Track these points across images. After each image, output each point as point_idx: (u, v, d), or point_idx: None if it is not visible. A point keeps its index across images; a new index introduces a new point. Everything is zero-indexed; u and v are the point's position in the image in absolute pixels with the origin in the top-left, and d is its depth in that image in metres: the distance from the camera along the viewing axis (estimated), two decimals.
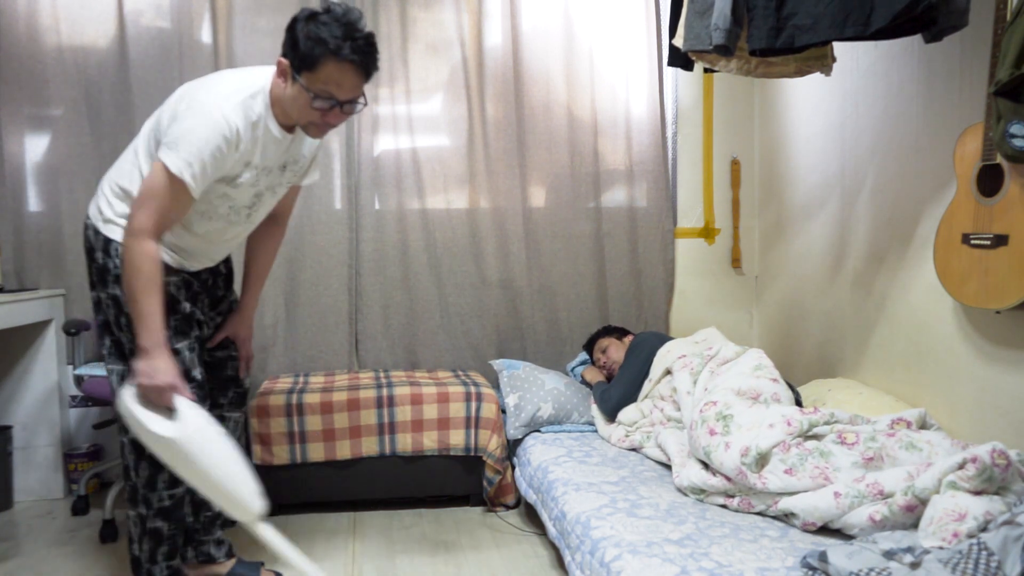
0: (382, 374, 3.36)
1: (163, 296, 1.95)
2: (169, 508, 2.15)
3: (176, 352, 2.05)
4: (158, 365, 1.90)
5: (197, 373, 2.14)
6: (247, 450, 2.95)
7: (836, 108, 3.04)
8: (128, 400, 1.92)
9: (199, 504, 2.33)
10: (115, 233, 2.04)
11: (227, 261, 2.38)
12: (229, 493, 1.89)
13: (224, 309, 2.37)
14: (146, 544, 2.15)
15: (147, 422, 1.87)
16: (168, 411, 1.92)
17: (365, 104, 2.00)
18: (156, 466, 2.07)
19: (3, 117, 3.26)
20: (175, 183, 1.88)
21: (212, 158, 1.90)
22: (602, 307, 3.68)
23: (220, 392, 2.36)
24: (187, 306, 2.13)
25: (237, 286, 2.48)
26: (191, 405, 1.95)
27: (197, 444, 1.88)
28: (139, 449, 2.05)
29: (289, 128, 2.06)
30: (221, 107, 1.90)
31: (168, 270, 2.06)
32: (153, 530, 2.15)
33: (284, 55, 1.94)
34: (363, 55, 1.92)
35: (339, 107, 1.95)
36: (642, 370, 2.99)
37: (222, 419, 2.33)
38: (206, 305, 2.30)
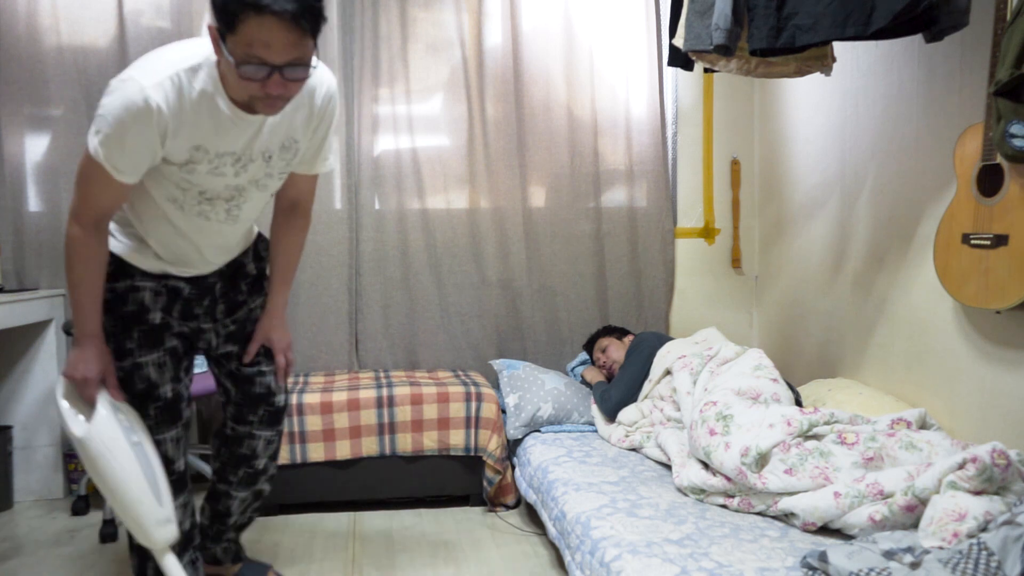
0: (382, 374, 3.36)
1: (108, 293, 1.88)
2: None
3: (138, 367, 1.93)
4: (82, 356, 1.82)
5: (165, 391, 1.97)
6: None
7: (836, 108, 3.04)
8: (57, 390, 1.84)
9: (217, 513, 2.25)
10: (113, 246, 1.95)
11: (252, 262, 2.14)
12: (128, 512, 1.77)
13: (241, 317, 2.11)
14: None
15: (64, 415, 1.79)
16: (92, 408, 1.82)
17: (313, 67, 1.64)
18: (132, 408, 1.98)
19: (3, 117, 3.26)
20: (95, 166, 1.71)
21: (131, 138, 1.67)
22: (602, 307, 3.68)
23: (250, 410, 2.14)
24: (157, 316, 1.95)
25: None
26: (112, 407, 1.82)
27: (101, 450, 1.74)
28: (125, 380, 1.97)
29: (249, 107, 1.75)
30: (140, 82, 1.64)
31: (144, 275, 1.94)
32: None
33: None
34: (295, 3, 1.54)
35: (277, 73, 1.59)
36: (642, 370, 2.99)
37: (250, 436, 2.15)
38: (220, 312, 2.08)
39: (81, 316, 1.83)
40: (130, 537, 2.11)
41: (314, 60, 1.69)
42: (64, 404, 1.80)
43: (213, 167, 1.79)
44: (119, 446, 1.76)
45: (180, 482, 2.04)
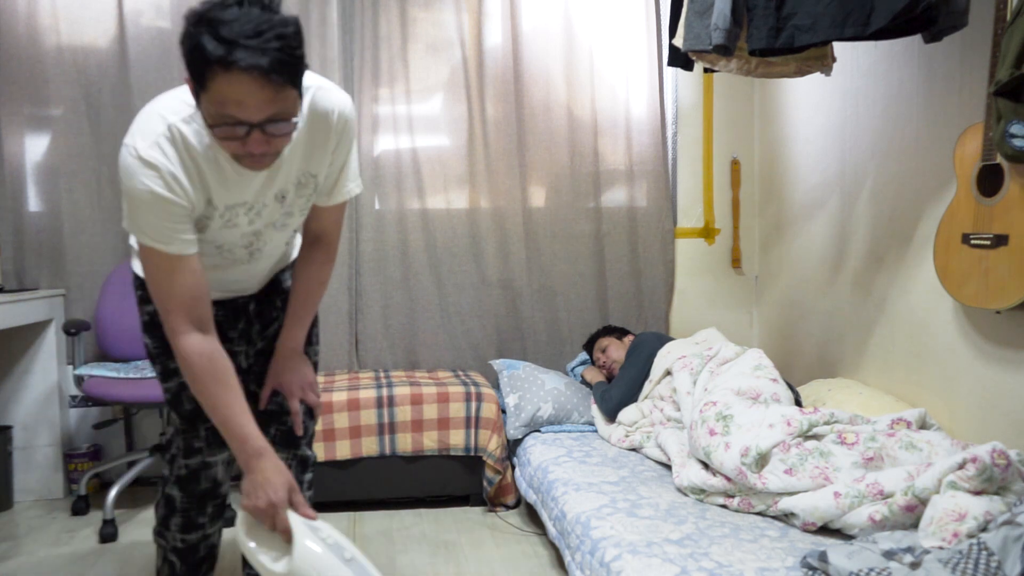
0: (382, 374, 3.36)
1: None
2: (185, 477, 1.90)
3: (185, 387, 1.77)
4: (259, 479, 1.55)
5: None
6: None
7: (836, 108, 3.04)
8: (239, 530, 1.57)
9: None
10: (137, 267, 1.84)
11: (290, 278, 1.98)
12: None
13: (272, 333, 1.95)
14: (161, 510, 1.96)
15: (258, 560, 1.52)
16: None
17: (295, 120, 1.47)
18: (181, 430, 1.87)
19: (3, 117, 3.26)
20: (149, 253, 1.57)
21: (152, 209, 1.52)
22: (602, 307, 3.68)
23: (263, 428, 1.79)
24: None
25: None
26: (310, 528, 1.54)
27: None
28: (173, 402, 1.85)
29: None
30: (137, 149, 1.51)
31: None
32: (168, 496, 1.94)
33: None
34: (266, 56, 1.35)
35: (257, 131, 1.42)
36: (643, 370, 2.99)
37: None
38: (255, 333, 1.95)
39: (238, 437, 1.59)
40: (156, 500, 1.99)
41: (318, 82, 1.62)
42: (251, 545, 1.54)
43: (225, 220, 1.65)
44: (333, 565, 1.49)
45: (221, 507, 1.98)
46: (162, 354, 1.82)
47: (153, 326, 1.81)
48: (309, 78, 1.60)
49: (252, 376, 1.96)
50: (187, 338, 1.58)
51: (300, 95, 1.47)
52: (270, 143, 1.45)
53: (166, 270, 1.57)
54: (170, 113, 1.54)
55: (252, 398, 1.89)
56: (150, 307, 1.80)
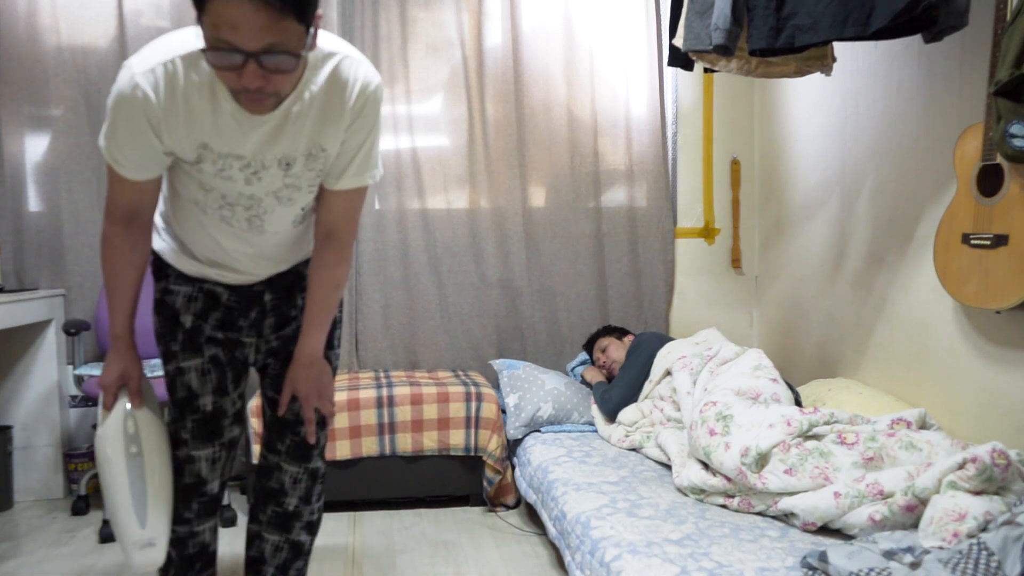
0: (382, 374, 3.36)
1: (146, 293, 1.75)
2: (175, 539, 1.85)
3: (180, 372, 1.79)
4: (106, 360, 1.73)
5: (205, 403, 1.80)
6: (246, 450, 2.95)
7: (836, 108, 3.04)
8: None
9: (251, 561, 1.99)
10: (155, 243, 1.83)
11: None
12: (114, 527, 1.67)
13: (288, 334, 1.87)
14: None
15: (99, 419, 1.72)
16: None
17: (298, 57, 1.37)
18: (172, 418, 1.83)
19: (3, 117, 3.26)
20: (108, 163, 1.60)
21: (122, 130, 1.52)
22: (602, 307, 3.68)
23: (277, 437, 1.90)
24: (188, 320, 1.79)
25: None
26: (126, 413, 1.70)
27: (99, 459, 1.66)
28: (169, 387, 1.86)
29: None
30: (132, 69, 1.48)
31: (180, 278, 1.79)
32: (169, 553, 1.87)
33: None
34: None
35: (253, 61, 1.34)
36: (643, 370, 2.99)
37: (278, 468, 1.90)
38: (268, 328, 1.86)
39: (110, 316, 1.73)
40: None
41: (349, 51, 1.54)
42: (99, 409, 1.74)
43: (219, 168, 1.59)
44: (115, 454, 1.65)
45: (210, 505, 1.86)
46: (166, 335, 1.81)
47: (162, 305, 1.81)
48: (340, 44, 1.57)
49: (268, 380, 1.91)
50: (111, 227, 1.66)
51: (308, 30, 1.37)
52: (268, 79, 1.37)
53: (116, 182, 1.62)
54: (178, 45, 1.49)
55: (270, 404, 1.91)
56: (162, 283, 1.81)
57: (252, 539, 1.97)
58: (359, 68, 1.57)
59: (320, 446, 1.92)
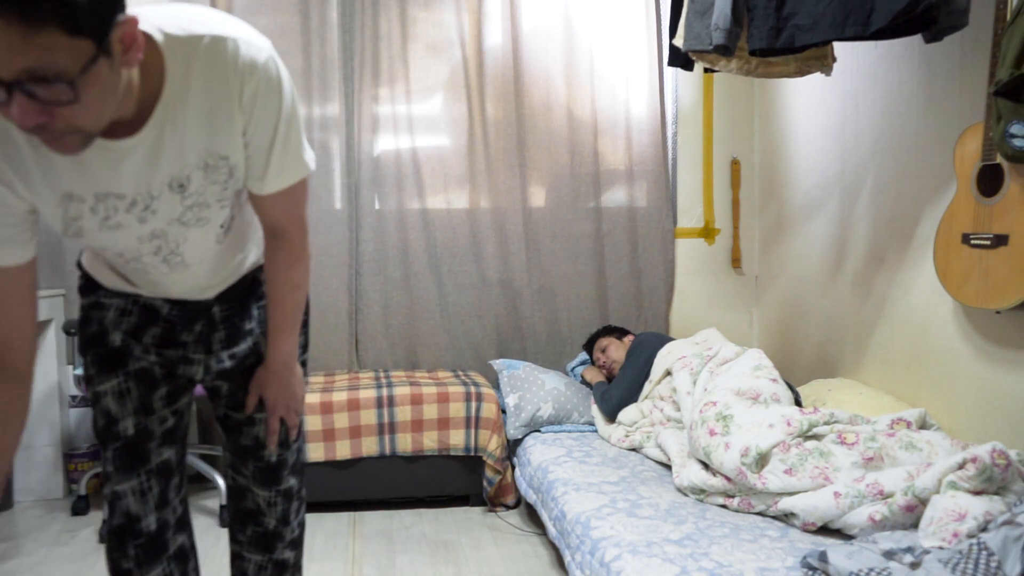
0: (382, 374, 3.36)
1: (90, 321, 1.50)
2: (108, 509, 1.54)
3: (97, 398, 1.50)
4: None
5: (125, 427, 1.49)
6: None
7: (836, 108, 3.04)
8: None
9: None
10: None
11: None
12: None
13: (242, 352, 1.61)
14: None
15: None
16: None
17: (72, 85, 0.99)
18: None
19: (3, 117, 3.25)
20: None
21: None
22: (602, 307, 3.68)
23: (240, 462, 1.68)
24: (117, 338, 1.51)
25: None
26: None
27: None
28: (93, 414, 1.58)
29: (127, 125, 1.19)
30: None
31: (111, 291, 1.53)
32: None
33: None
34: None
35: (20, 93, 0.98)
36: (643, 371, 2.99)
37: (250, 491, 1.68)
38: (217, 342, 1.58)
39: None
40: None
41: (218, 29, 1.19)
42: None
43: (102, 219, 1.27)
44: None
45: (152, 548, 1.53)
46: (86, 355, 1.54)
47: (87, 322, 1.54)
48: (205, 21, 1.21)
49: (221, 401, 1.66)
50: None
51: (99, 43, 1.00)
52: (52, 114, 1.01)
53: None
54: None
55: (224, 426, 1.68)
56: (91, 297, 1.55)
57: (234, 559, 1.77)
58: (237, 48, 1.20)
59: (291, 464, 1.69)
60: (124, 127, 1.19)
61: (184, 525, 1.61)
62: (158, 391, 1.54)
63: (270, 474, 1.66)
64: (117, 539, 1.51)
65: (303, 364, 1.71)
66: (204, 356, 1.58)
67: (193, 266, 1.44)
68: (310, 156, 1.40)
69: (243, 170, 1.34)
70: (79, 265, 1.57)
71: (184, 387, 1.60)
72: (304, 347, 1.72)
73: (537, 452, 2.79)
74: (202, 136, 1.26)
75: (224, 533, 2.83)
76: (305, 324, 1.71)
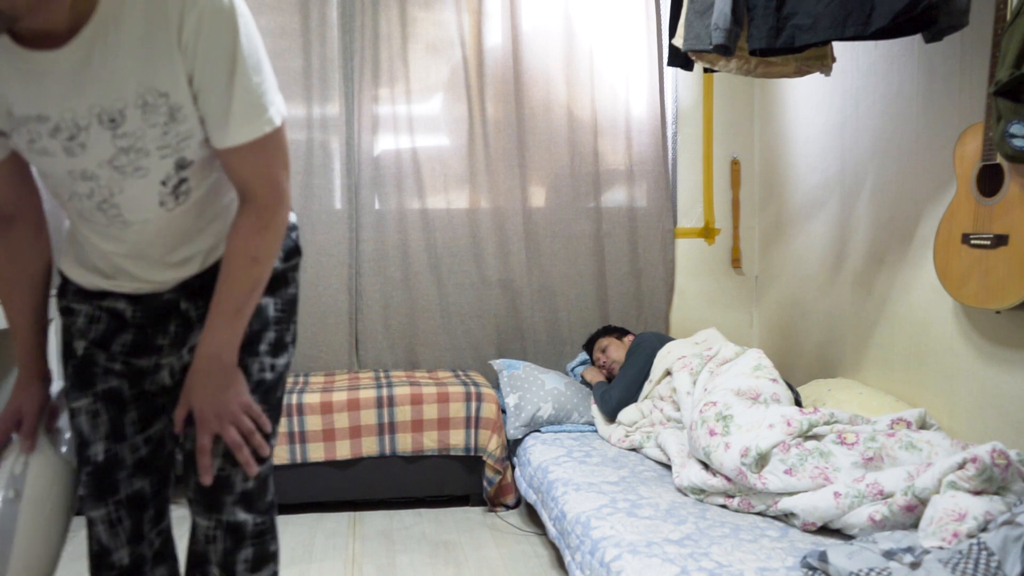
0: (382, 374, 3.36)
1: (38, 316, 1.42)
2: (88, 538, 1.44)
3: (73, 415, 1.39)
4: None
5: (96, 452, 1.37)
6: None
7: (836, 108, 3.04)
8: None
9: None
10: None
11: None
12: None
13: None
14: None
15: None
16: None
17: None
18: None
19: None
20: None
21: None
22: (602, 307, 3.68)
23: (184, 480, 1.41)
24: (80, 347, 1.39)
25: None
26: (16, 454, 1.37)
27: None
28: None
29: (56, 40, 1.11)
30: None
31: (80, 294, 1.40)
32: None
33: None
34: None
35: None
36: (642, 371, 3.00)
37: (195, 523, 1.40)
38: (193, 340, 1.41)
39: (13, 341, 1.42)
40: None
41: None
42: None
43: (28, 140, 1.20)
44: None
45: None
46: (63, 366, 1.45)
47: (62, 329, 1.47)
48: None
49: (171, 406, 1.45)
50: None
51: None
52: None
53: None
54: None
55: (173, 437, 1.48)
56: (62, 301, 1.45)
57: None
58: None
59: (237, 490, 1.33)
60: (52, 41, 1.10)
61: (164, 558, 1.45)
62: (128, 415, 1.40)
63: (208, 496, 1.34)
64: (94, 567, 1.41)
65: (282, 367, 1.43)
66: (176, 359, 1.42)
67: (135, 225, 1.28)
68: (278, 109, 1.24)
69: (190, 114, 1.20)
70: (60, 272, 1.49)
71: (158, 411, 1.43)
72: (281, 346, 1.43)
73: (537, 452, 2.79)
74: (138, 66, 1.14)
75: None
76: (289, 315, 1.46)
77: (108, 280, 1.37)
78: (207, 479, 1.31)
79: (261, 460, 1.35)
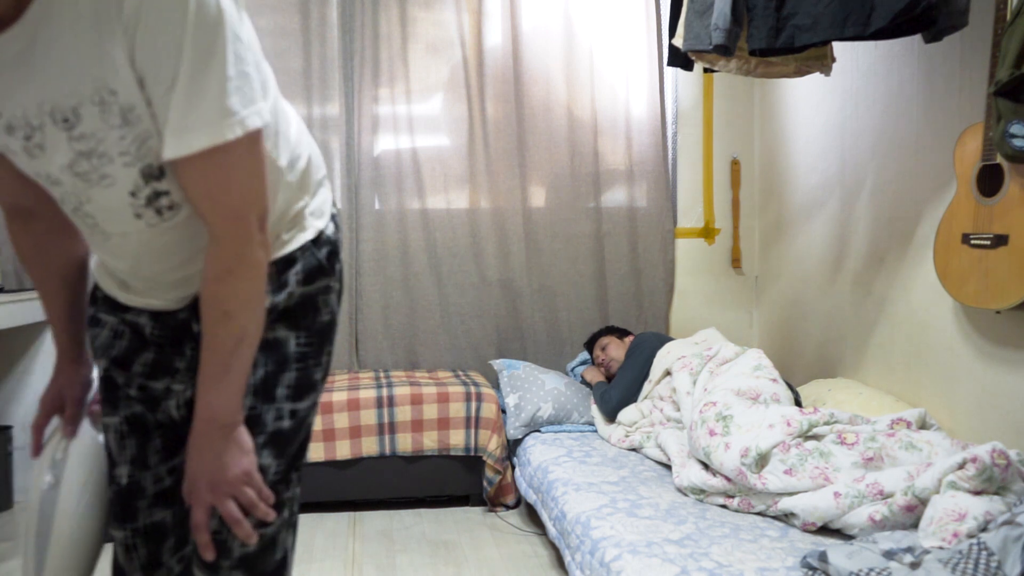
0: (382, 374, 3.36)
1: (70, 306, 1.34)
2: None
3: (105, 429, 1.31)
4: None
5: (120, 474, 1.27)
6: None
7: (836, 108, 3.04)
8: None
9: None
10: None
11: None
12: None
13: None
14: None
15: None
16: None
17: None
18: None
19: None
20: None
21: None
22: (602, 307, 3.68)
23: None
24: (101, 366, 1.30)
25: None
26: (57, 441, 1.31)
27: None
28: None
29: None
30: None
31: (107, 304, 1.29)
32: None
33: None
34: None
35: None
36: (642, 371, 3.00)
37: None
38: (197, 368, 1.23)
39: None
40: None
41: None
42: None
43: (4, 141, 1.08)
44: (32, 486, 1.28)
45: None
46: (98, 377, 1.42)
47: (91, 338, 1.42)
48: None
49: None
50: (11, 225, 1.26)
51: None
52: None
53: None
54: None
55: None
56: (91, 309, 1.39)
57: None
58: None
59: (236, 555, 1.18)
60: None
61: None
62: (152, 442, 1.29)
63: (203, 558, 1.20)
64: None
65: (305, 410, 1.24)
66: (187, 386, 1.27)
67: (114, 237, 1.14)
68: (254, 114, 1.00)
69: (143, 114, 1.00)
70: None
71: (182, 440, 1.27)
72: (307, 386, 1.24)
73: (537, 452, 2.79)
74: (90, 57, 0.96)
75: None
76: (319, 347, 1.26)
77: (124, 293, 1.26)
78: (208, 555, 1.16)
79: (266, 524, 1.19)
